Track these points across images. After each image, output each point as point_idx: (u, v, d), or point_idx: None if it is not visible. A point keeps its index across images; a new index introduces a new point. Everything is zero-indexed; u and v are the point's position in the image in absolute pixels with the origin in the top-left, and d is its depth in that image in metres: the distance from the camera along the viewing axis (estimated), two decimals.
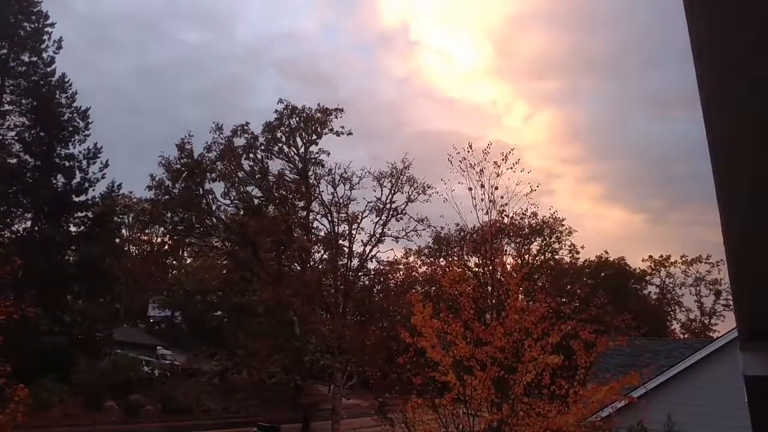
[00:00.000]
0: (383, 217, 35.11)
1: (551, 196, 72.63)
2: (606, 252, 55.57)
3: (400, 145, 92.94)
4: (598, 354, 16.47)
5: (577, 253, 43.91)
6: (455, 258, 39.83)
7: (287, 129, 30.93)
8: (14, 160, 40.23)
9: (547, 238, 42.97)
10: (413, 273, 38.21)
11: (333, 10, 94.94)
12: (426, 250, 39.89)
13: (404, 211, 35.09)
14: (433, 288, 33.54)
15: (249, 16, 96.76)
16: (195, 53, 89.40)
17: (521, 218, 37.23)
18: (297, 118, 30.97)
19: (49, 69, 40.70)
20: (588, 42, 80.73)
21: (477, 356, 18.11)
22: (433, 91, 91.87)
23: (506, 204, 22.31)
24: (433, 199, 32.26)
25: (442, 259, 39.22)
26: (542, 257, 42.74)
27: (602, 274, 52.49)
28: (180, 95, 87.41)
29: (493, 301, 21.58)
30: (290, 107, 30.66)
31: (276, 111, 30.60)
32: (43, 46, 40.19)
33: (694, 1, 1.63)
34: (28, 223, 41.40)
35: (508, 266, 34.26)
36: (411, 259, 38.85)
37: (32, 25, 40.28)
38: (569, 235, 43.44)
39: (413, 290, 36.42)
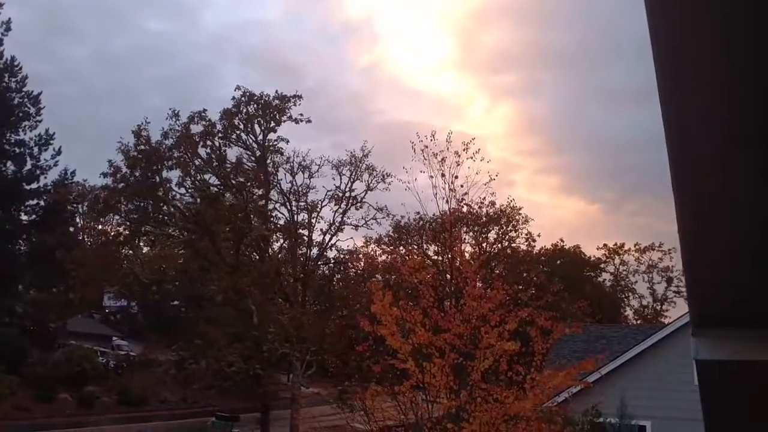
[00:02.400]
0: (342, 206, 35.10)
1: (510, 186, 73.52)
2: (561, 240, 56.58)
3: (365, 135, 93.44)
4: (554, 341, 16.82)
5: (534, 241, 44.64)
6: (415, 246, 40.11)
7: (245, 116, 30.61)
8: None
9: (504, 227, 43.50)
10: (373, 262, 38.32)
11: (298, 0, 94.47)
12: (386, 239, 40.02)
13: (364, 200, 35.17)
14: (393, 277, 33.72)
15: (215, 4, 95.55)
16: (158, 41, 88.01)
17: (479, 207, 37.66)
18: (255, 105, 30.66)
19: None
20: (547, 37, 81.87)
21: (436, 344, 18.29)
22: (398, 83, 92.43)
23: (466, 193, 22.55)
24: (394, 188, 32.36)
25: (402, 248, 39.39)
26: (499, 245, 43.27)
27: (558, 262, 53.42)
28: (143, 83, 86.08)
29: (452, 288, 21.76)
30: (248, 94, 30.34)
31: (233, 98, 30.27)
32: None
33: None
34: None
35: (467, 254, 34.72)
36: (371, 247, 38.98)
37: None
38: (526, 224, 44.08)
39: (373, 279, 36.53)
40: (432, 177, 21.43)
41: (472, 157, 22.07)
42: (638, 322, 54.75)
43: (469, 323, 17.64)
